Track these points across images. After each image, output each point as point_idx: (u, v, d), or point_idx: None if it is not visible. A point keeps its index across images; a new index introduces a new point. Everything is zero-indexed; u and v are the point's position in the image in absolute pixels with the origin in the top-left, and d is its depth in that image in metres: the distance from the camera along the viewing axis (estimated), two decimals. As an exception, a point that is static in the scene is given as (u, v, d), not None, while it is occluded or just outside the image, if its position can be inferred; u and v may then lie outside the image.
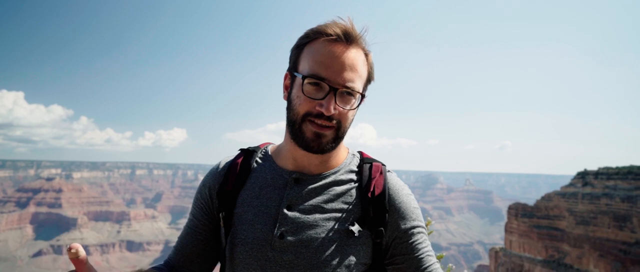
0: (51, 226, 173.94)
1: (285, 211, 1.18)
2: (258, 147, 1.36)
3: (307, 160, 1.23)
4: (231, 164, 1.31)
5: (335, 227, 1.17)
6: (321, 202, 1.20)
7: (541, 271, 53.71)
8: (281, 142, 1.33)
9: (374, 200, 1.21)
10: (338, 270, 1.14)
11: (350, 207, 1.20)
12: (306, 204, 1.19)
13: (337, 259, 1.15)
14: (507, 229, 62.14)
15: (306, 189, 1.21)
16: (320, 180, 1.23)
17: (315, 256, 1.14)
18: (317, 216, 1.18)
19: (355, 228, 1.17)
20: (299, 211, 1.18)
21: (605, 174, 54.24)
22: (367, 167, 1.27)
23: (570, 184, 58.41)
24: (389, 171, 1.29)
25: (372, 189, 1.22)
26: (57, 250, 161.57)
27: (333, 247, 1.15)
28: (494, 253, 64.08)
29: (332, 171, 1.25)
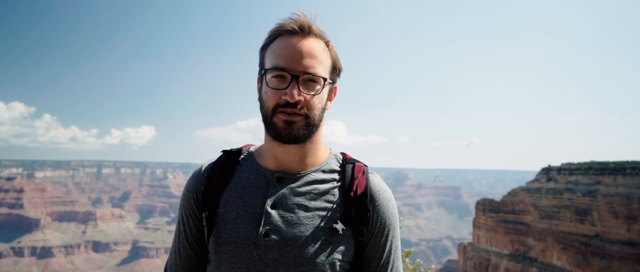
0: (12, 227, 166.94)
1: (269, 209, 1.19)
2: (240, 149, 1.37)
3: (288, 157, 1.24)
4: (214, 165, 1.32)
5: (320, 225, 1.18)
6: (305, 201, 1.21)
7: (507, 264, 55.07)
8: (263, 143, 1.33)
9: (356, 199, 1.22)
10: (322, 267, 1.16)
11: (334, 206, 1.22)
12: (290, 202, 1.21)
13: (321, 257, 1.16)
14: (475, 224, 63.36)
15: (289, 188, 1.22)
16: (303, 178, 1.25)
17: (300, 253, 1.15)
18: (301, 214, 1.19)
19: (339, 226, 1.19)
20: (283, 210, 1.19)
21: (568, 169, 55.97)
22: (350, 168, 1.28)
23: (535, 180, 60.00)
24: (371, 173, 1.30)
25: (354, 189, 1.24)
26: (18, 252, 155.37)
27: (317, 245, 1.16)
28: (462, 248, 65.29)
29: (314, 169, 1.27)
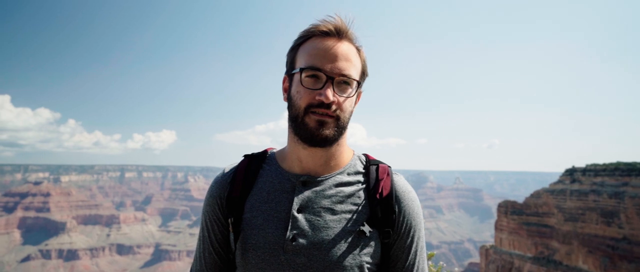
0: (39, 230, 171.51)
1: (296, 213, 1.19)
2: (263, 152, 1.37)
3: (313, 160, 1.24)
4: (236, 170, 1.31)
5: (347, 228, 1.18)
6: (331, 204, 1.21)
7: (531, 267, 54.23)
8: (284, 146, 1.34)
9: (382, 201, 1.23)
10: (351, 270, 1.16)
11: (360, 208, 1.22)
12: (316, 206, 1.20)
13: (349, 260, 1.16)
14: (497, 227, 62.63)
15: (315, 191, 1.22)
16: (328, 182, 1.24)
17: (328, 257, 1.15)
18: (328, 217, 1.19)
19: (366, 228, 1.19)
20: (309, 213, 1.20)
21: (593, 170, 54.86)
22: (374, 169, 1.29)
23: (559, 181, 58.97)
24: (395, 174, 1.31)
25: (380, 190, 1.24)
26: (46, 255, 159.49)
27: (345, 248, 1.16)
28: (485, 251, 64.56)
29: (338, 171, 1.27)
